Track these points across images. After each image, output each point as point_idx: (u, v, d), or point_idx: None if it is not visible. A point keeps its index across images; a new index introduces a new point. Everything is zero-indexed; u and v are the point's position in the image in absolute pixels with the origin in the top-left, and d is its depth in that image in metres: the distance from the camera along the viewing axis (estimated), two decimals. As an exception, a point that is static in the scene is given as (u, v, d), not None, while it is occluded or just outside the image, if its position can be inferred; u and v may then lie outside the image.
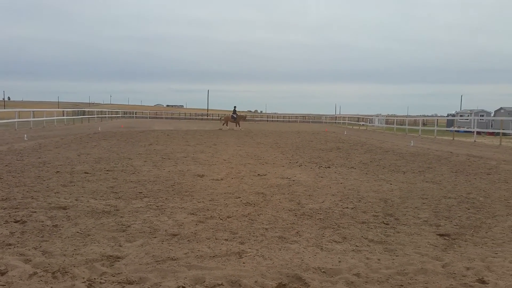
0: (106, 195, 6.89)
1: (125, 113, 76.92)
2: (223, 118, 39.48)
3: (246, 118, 44.95)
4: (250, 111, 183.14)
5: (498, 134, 25.65)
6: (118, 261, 3.98)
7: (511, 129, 30.25)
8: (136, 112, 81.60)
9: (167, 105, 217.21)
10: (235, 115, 37.39)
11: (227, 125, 36.25)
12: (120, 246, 4.41)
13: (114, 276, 3.62)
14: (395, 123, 41.52)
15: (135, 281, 3.52)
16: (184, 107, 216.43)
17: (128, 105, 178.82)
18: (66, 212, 5.70)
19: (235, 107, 38.58)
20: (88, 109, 60.43)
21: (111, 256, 4.10)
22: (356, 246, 4.58)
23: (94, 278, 3.56)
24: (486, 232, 5.14)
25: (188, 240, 4.62)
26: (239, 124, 36.66)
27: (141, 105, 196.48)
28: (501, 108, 37.76)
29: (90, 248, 4.32)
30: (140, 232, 4.88)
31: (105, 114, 55.74)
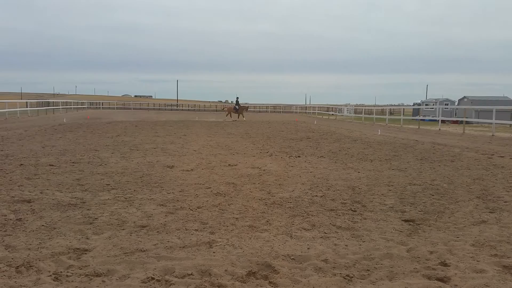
0: (72, 187, 6.74)
1: (91, 103, 75.04)
2: (226, 109, 38.95)
3: (248, 109, 44.96)
4: (221, 102, 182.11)
5: (461, 122, 26.54)
6: (85, 253, 3.91)
7: (474, 118, 31.42)
8: (102, 103, 79.66)
9: (135, 96, 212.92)
10: (237, 106, 36.85)
11: (230, 116, 35.36)
12: (87, 238, 4.34)
13: (81, 268, 3.56)
14: (363, 112, 42.29)
15: (103, 273, 3.48)
16: (153, 97, 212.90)
17: (94, 96, 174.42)
18: (31, 205, 5.54)
19: (237, 98, 38.02)
20: (52, 100, 58.51)
21: (78, 249, 4.02)
22: (325, 233, 4.67)
23: (61, 271, 3.49)
24: (449, 217, 5.34)
25: (158, 232, 4.59)
26: (242, 115, 35.83)
27: (108, 96, 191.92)
28: (464, 97, 39.11)
29: (56, 241, 4.23)
30: (107, 225, 4.81)
31: (71, 105, 54.19)
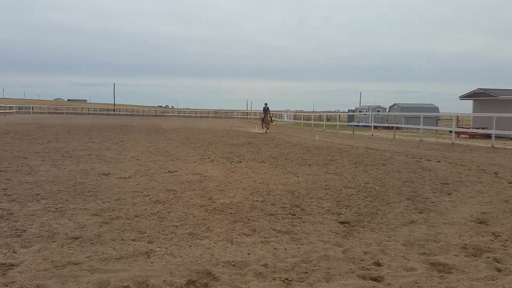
0: (-3, 198, 6.26)
1: (20, 108, 70.49)
2: (264, 120, 28.46)
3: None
4: (161, 107, 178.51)
5: (392, 128, 28.09)
6: (12, 269, 3.64)
7: (404, 124, 33.35)
8: (33, 107, 75.15)
9: (69, 100, 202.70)
10: (270, 116, 29.14)
11: (266, 128, 27.85)
12: (14, 252, 4.05)
13: (7, 285, 3.31)
14: (302, 118, 43.40)
15: (31, 290, 3.26)
16: (88, 101, 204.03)
17: (24, 100, 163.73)
18: None
19: (266, 104, 29.49)
20: (-25, 104, 54.29)
21: (3, 264, 3.74)
22: (265, 237, 4.71)
23: (-18, 290, 3.22)
24: (381, 218, 5.61)
25: (91, 243, 4.38)
26: (268, 126, 28.56)
27: (39, 99, 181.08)
28: (394, 104, 41.35)
29: (-23, 257, 3.90)
30: (37, 237, 4.51)
31: (-4, 109, 50.56)
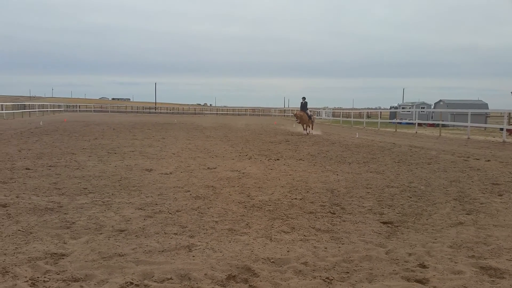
0: (49, 191, 6.58)
1: (68, 106, 73.65)
2: (297, 116, 23.06)
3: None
4: (200, 105, 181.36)
5: (438, 125, 27.12)
6: (63, 258, 3.82)
7: (450, 121, 32.13)
8: (80, 106, 78.33)
9: (113, 98, 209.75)
10: (309, 112, 23.69)
11: (306, 128, 22.98)
12: (64, 243, 4.24)
13: (58, 274, 3.48)
14: (341, 115, 42.82)
15: (81, 278, 3.40)
16: (131, 100, 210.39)
17: (71, 99, 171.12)
18: (7, 210, 5.38)
19: (304, 98, 24.37)
20: (29, 103, 57.08)
21: (55, 253, 3.93)
22: (304, 235, 4.68)
23: (38, 277, 3.40)
24: (427, 219, 5.43)
25: (136, 236, 4.52)
26: (312, 126, 23.49)
27: (85, 98, 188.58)
28: (440, 101, 39.93)
29: (32, 246, 4.12)
30: (85, 229, 4.71)
31: (47, 108, 53.02)
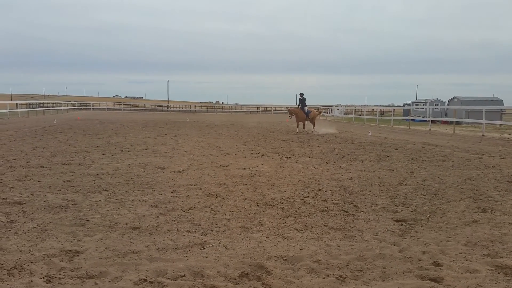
0: (63, 189, 6.67)
1: (81, 105, 74.44)
2: (290, 111, 22.37)
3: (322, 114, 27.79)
4: (212, 102, 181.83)
5: (452, 122, 26.76)
6: (77, 255, 3.88)
7: (464, 118, 31.68)
8: (93, 104, 79.09)
9: (126, 97, 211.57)
10: (306, 109, 22.19)
11: (304, 126, 21.86)
12: (79, 240, 4.30)
13: (73, 271, 3.53)
14: (353, 113, 42.44)
15: (96, 275, 3.44)
16: (144, 98, 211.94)
17: (84, 97, 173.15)
18: (22, 207, 5.47)
19: (302, 94, 22.56)
20: (43, 101, 57.86)
21: (70, 251, 3.98)
22: (317, 233, 4.67)
23: (53, 274, 3.45)
24: (441, 217, 5.38)
25: (150, 233, 4.56)
26: (313, 123, 22.21)
27: (98, 97, 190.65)
28: (454, 98, 39.40)
29: (47, 243, 4.19)
30: (99, 226, 4.76)
31: (61, 106, 53.67)
